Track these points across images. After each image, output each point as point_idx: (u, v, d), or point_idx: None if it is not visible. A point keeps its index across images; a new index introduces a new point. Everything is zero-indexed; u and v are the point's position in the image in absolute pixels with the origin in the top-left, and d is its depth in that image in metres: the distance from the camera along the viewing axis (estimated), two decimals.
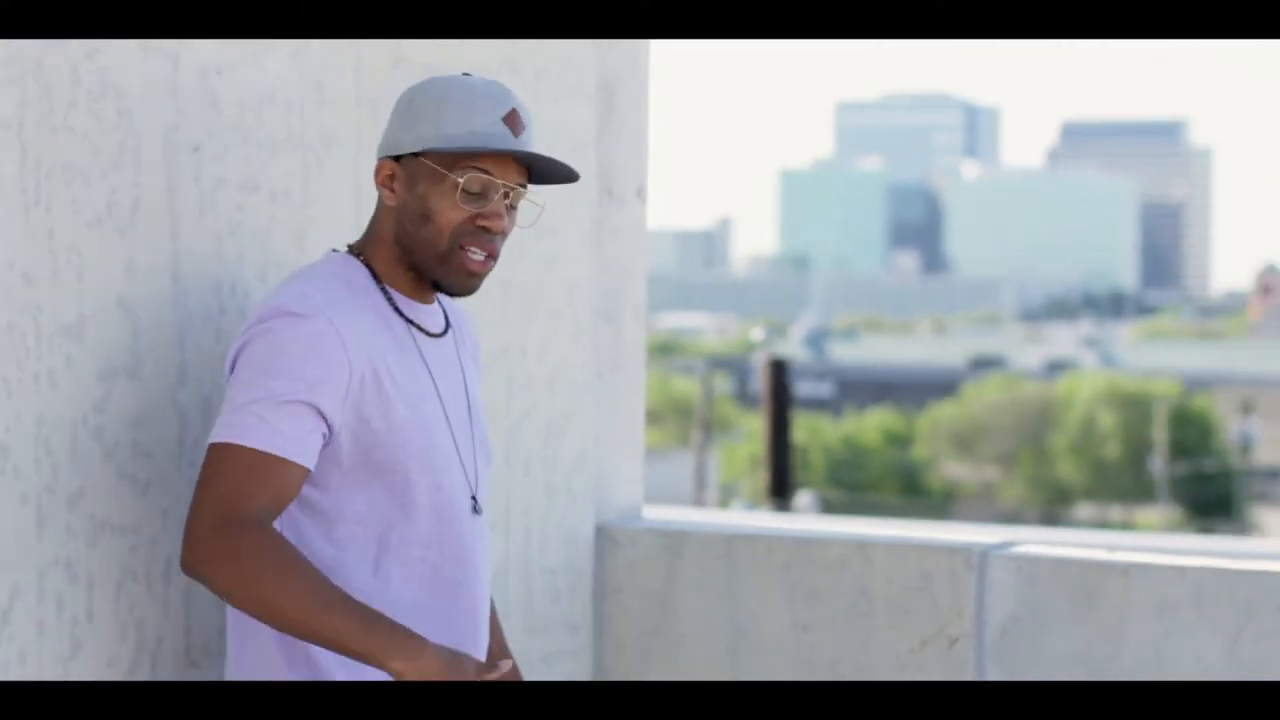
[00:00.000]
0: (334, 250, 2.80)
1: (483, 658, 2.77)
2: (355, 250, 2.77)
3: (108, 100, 2.80)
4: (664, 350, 73.56)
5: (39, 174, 2.69)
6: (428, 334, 2.76)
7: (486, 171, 2.69)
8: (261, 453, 2.54)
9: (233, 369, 2.63)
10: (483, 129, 2.68)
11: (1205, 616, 3.43)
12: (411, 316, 2.75)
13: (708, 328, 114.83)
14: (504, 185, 2.70)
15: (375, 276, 2.74)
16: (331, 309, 2.62)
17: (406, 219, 2.71)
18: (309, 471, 2.60)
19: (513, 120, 2.70)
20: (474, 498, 2.78)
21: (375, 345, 2.65)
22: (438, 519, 2.72)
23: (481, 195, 2.69)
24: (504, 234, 2.73)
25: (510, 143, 2.69)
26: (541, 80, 3.80)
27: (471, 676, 2.53)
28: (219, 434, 2.56)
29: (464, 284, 2.73)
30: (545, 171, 2.76)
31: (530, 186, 2.78)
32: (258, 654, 2.66)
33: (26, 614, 2.69)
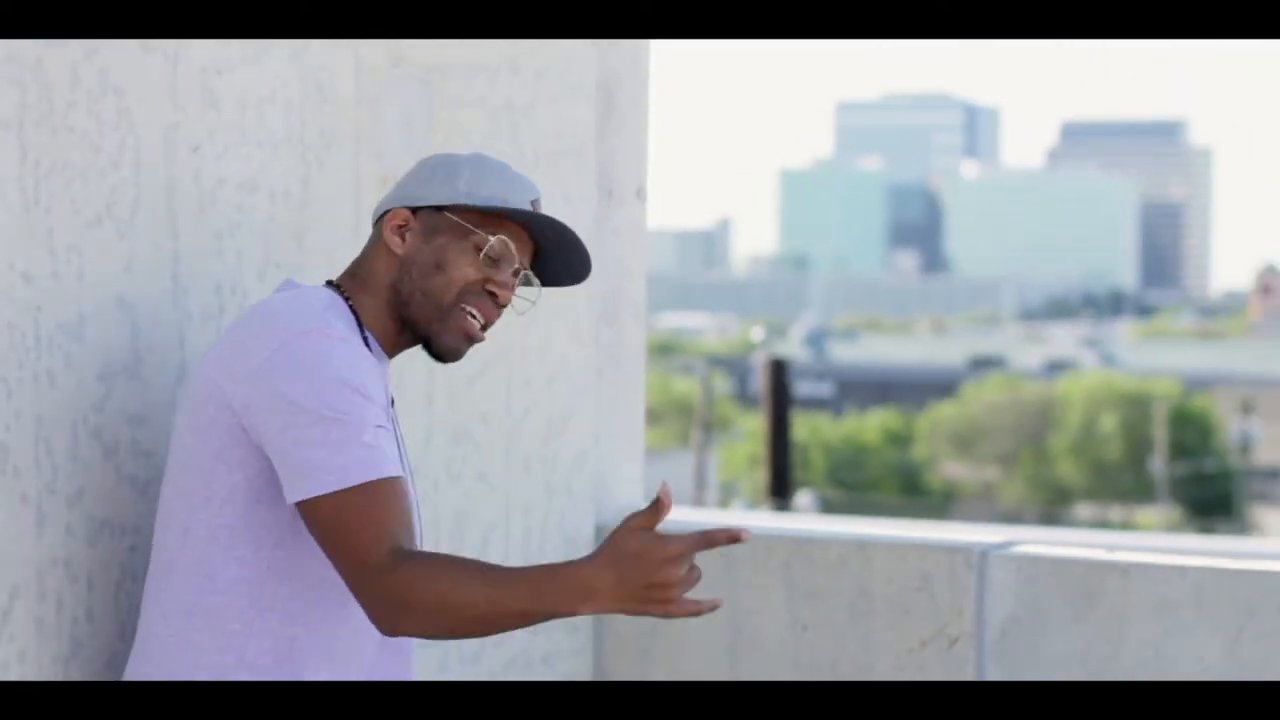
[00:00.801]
0: (292, 280, 2.73)
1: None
2: (339, 290, 2.71)
3: (108, 100, 2.80)
4: (664, 350, 73.56)
5: (39, 174, 2.69)
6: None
7: (509, 246, 2.69)
8: (392, 479, 2.47)
9: (280, 400, 2.48)
10: (516, 203, 2.70)
11: (1205, 616, 3.43)
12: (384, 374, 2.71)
13: (708, 328, 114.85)
14: (519, 264, 2.71)
15: (358, 321, 2.68)
16: (353, 341, 2.57)
17: (415, 267, 2.68)
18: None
19: (537, 207, 2.74)
20: None
21: (384, 385, 2.64)
22: None
23: (497, 264, 2.69)
24: (502, 309, 2.72)
25: (539, 217, 2.71)
26: (541, 80, 3.80)
27: (653, 567, 2.30)
28: (336, 480, 2.44)
29: (455, 345, 2.69)
30: (552, 270, 2.78)
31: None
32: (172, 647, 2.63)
33: (26, 614, 2.69)
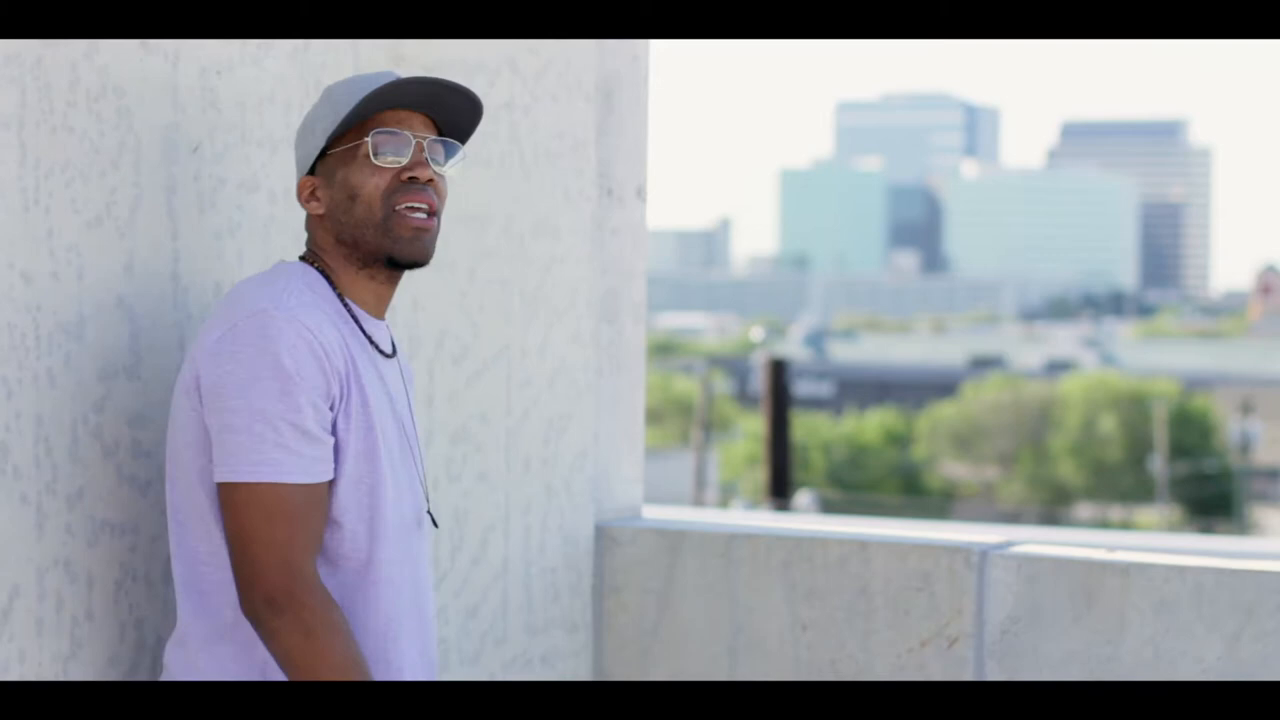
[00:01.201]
0: (282, 261, 2.79)
1: (434, 667, 2.77)
2: (309, 261, 2.76)
3: (108, 100, 2.80)
4: (664, 350, 73.59)
5: (39, 174, 2.69)
6: (382, 353, 2.76)
7: (392, 130, 2.71)
8: (302, 486, 2.55)
9: (217, 381, 2.57)
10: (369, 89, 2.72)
11: (1205, 616, 3.43)
12: (370, 332, 2.74)
13: (707, 328, 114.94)
14: (414, 136, 2.72)
15: (334, 287, 2.73)
16: (305, 315, 2.61)
17: (338, 212, 2.72)
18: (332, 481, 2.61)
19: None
20: (430, 512, 2.81)
21: (348, 355, 2.66)
22: (402, 534, 2.72)
23: (397, 155, 2.71)
24: (435, 186, 2.74)
25: (394, 84, 2.70)
26: (541, 80, 3.80)
27: None
28: (248, 470, 2.53)
29: (415, 246, 2.72)
30: (459, 124, 2.80)
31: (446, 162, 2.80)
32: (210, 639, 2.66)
33: (26, 613, 2.69)
